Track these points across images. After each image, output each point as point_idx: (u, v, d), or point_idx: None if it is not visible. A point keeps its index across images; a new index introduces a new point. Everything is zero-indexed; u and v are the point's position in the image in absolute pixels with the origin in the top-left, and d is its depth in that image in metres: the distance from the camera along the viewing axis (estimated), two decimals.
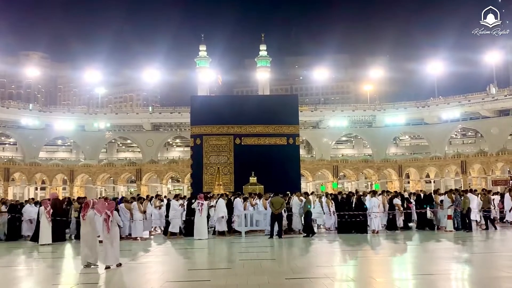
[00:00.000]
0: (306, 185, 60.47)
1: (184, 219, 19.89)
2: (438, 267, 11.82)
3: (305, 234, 18.96)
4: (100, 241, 12.53)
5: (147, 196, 25.09)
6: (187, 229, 19.68)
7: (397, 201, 21.09)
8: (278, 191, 20.49)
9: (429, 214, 20.95)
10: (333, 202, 20.99)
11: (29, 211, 20.23)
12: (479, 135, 71.00)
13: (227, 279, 10.52)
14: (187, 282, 10.59)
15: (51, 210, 18.26)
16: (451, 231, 19.54)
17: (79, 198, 22.12)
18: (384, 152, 72.17)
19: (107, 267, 11.94)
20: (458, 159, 59.84)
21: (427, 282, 10.19)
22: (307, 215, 19.20)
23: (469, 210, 19.90)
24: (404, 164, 63.32)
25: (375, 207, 20.11)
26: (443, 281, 10.28)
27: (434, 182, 63.04)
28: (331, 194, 23.58)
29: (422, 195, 22.59)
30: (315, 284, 9.98)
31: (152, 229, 21.98)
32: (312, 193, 29.38)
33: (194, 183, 33.07)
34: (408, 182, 64.68)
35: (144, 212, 20.29)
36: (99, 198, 19.19)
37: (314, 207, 20.60)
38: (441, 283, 10.13)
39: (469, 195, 21.88)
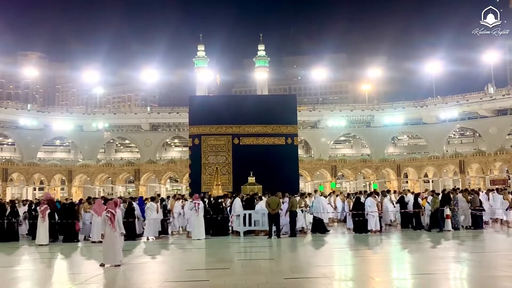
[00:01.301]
0: (305, 185, 60.51)
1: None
2: (437, 266, 11.82)
3: (290, 234, 18.91)
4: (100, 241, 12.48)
5: (174, 195, 25.06)
6: (214, 229, 19.79)
7: (421, 201, 21.24)
8: (276, 191, 20.47)
9: (447, 213, 21.01)
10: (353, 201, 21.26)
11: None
12: (477, 134, 71.11)
13: (226, 279, 10.50)
14: (186, 282, 10.56)
15: (48, 211, 18.25)
16: (449, 230, 19.56)
17: (89, 198, 22.12)
18: (382, 151, 72.21)
19: (102, 265, 12.15)
20: (456, 158, 59.93)
21: (425, 282, 10.20)
22: (291, 215, 19.05)
23: (437, 210, 19.87)
24: (402, 163, 63.35)
25: (370, 207, 20.13)
26: (442, 281, 10.28)
27: (432, 181, 63.13)
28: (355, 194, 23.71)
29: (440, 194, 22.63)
30: (314, 283, 9.98)
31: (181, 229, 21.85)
32: (335, 192, 29.23)
33: (193, 183, 33.02)
34: (407, 182, 64.74)
35: (169, 211, 20.46)
36: (118, 197, 19.43)
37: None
38: (439, 282, 10.14)
39: (494, 194, 21.98)
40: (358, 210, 20.15)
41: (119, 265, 12.20)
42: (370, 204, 20.16)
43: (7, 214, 19.90)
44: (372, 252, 15.41)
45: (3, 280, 11.31)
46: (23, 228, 20.64)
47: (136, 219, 19.49)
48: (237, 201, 20.03)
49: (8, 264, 14.33)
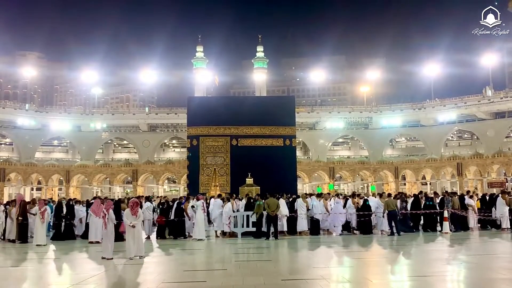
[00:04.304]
0: (303, 187, 60.52)
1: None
2: (435, 268, 11.83)
3: (254, 236, 18.98)
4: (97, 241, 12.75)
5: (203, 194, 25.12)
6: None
7: (469, 201, 21.20)
8: (274, 192, 20.46)
9: (494, 214, 21.09)
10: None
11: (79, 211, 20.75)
12: (475, 137, 71.21)
13: (223, 280, 10.50)
14: (183, 283, 10.56)
15: (46, 211, 18.23)
16: (447, 232, 19.57)
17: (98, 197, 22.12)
18: (380, 153, 72.28)
19: (103, 258, 13.38)
20: (454, 161, 60.02)
21: (423, 284, 10.20)
22: (260, 218, 19.04)
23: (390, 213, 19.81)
24: (400, 166, 63.42)
25: (380, 207, 20.13)
26: (439, 283, 10.29)
27: (430, 184, 63.20)
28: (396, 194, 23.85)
29: (487, 196, 22.73)
30: (311, 285, 9.98)
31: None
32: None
33: (191, 184, 33.01)
34: (404, 184, 64.79)
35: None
36: (132, 197, 19.65)
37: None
38: (437, 284, 10.15)
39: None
40: (365, 211, 20.24)
41: (111, 258, 13.38)
42: (381, 205, 20.20)
43: (63, 214, 20.22)
44: (370, 254, 15.42)
45: (2, 279, 11.30)
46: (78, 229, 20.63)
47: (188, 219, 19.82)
48: (282, 202, 19.98)
49: (5, 264, 14.30)
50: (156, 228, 20.68)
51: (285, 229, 19.88)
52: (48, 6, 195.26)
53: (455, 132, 73.87)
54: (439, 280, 10.53)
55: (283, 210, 19.70)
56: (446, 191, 25.72)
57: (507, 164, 55.81)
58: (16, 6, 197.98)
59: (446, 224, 19.91)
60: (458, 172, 58.53)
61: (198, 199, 19.52)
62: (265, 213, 19.03)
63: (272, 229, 18.65)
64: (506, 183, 54.83)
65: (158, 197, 35.58)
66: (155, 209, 25.26)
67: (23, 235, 18.65)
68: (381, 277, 11.40)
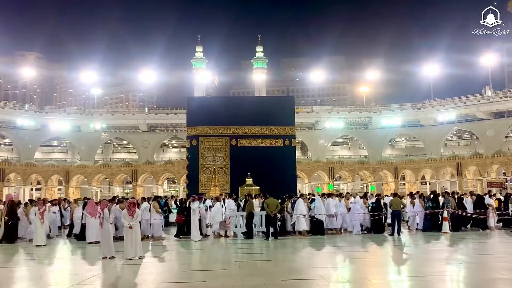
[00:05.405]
0: (302, 187, 60.49)
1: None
2: (434, 268, 11.83)
3: (245, 236, 19.01)
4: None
5: (220, 195, 25.11)
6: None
7: (489, 201, 21.18)
8: (274, 192, 20.46)
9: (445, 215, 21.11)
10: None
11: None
12: (475, 137, 71.19)
13: (223, 280, 10.49)
14: (183, 283, 10.55)
15: (45, 211, 18.21)
16: (446, 232, 19.57)
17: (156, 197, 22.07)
18: (380, 154, 72.25)
19: (104, 257, 13.55)
20: (454, 161, 60.03)
21: (423, 284, 10.21)
22: (249, 217, 19.05)
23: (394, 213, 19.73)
24: (400, 166, 63.40)
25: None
26: (439, 283, 10.29)
27: (429, 184, 63.19)
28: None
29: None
30: (311, 285, 9.99)
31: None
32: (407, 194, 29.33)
33: (190, 184, 33.02)
34: (404, 184, 64.79)
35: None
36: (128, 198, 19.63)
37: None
38: (436, 284, 10.15)
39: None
40: (378, 211, 20.39)
41: (113, 257, 13.56)
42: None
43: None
44: (369, 254, 15.42)
45: (1, 280, 11.28)
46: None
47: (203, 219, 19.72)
48: (300, 202, 19.99)
49: (5, 264, 14.29)
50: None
51: (303, 228, 19.69)
52: (47, 6, 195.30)
53: (455, 132, 73.85)
54: (439, 280, 10.53)
55: (302, 210, 19.68)
56: (446, 191, 25.72)
57: (507, 164, 55.82)
58: (16, 6, 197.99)
59: (446, 224, 19.91)
60: (457, 172, 58.53)
61: (194, 200, 19.45)
62: (264, 213, 19.04)
63: (272, 229, 18.68)
64: (506, 183, 54.88)
65: (172, 196, 35.32)
66: (171, 209, 25.29)
67: (9, 235, 18.54)
68: (380, 277, 11.40)
